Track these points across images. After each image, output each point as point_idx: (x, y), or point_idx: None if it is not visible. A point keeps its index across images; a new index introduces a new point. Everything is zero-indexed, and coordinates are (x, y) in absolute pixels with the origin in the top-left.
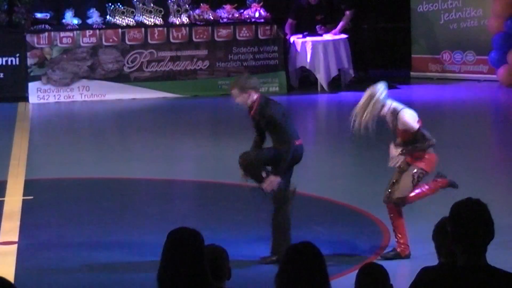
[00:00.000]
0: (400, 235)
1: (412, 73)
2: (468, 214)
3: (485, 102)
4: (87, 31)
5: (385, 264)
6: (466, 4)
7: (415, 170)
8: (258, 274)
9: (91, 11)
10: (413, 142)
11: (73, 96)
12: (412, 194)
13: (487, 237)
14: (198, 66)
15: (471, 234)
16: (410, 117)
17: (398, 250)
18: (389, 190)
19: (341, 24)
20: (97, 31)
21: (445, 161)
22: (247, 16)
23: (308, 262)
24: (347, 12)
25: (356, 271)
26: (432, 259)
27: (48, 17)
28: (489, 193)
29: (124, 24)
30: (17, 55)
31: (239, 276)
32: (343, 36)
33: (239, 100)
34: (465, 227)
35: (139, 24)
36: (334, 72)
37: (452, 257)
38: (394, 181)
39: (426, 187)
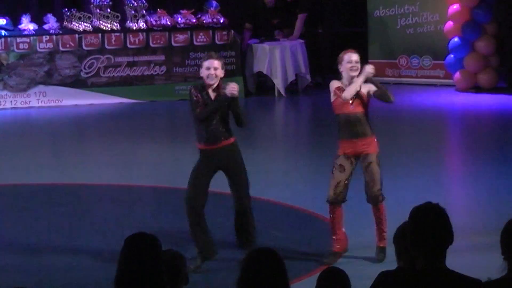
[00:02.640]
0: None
1: None
2: (427, 218)
3: (441, 106)
4: (44, 37)
5: (345, 268)
6: (423, 9)
7: (376, 156)
8: (217, 277)
9: (47, 16)
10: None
11: (30, 102)
12: None
13: (445, 241)
14: (155, 71)
15: (429, 238)
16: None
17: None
18: (380, 187)
19: (297, 28)
20: (54, 37)
21: (402, 165)
22: (204, 21)
23: (268, 267)
24: (301, 15)
25: (315, 276)
26: (394, 263)
27: (6, 22)
28: (446, 197)
29: (81, 29)
30: None
31: (197, 281)
32: (300, 40)
33: (218, 72)
34: (424, 231)
35: (96, 30)
36: (291, 77)
37: (411, 261)
38: (370, 179)
39: None
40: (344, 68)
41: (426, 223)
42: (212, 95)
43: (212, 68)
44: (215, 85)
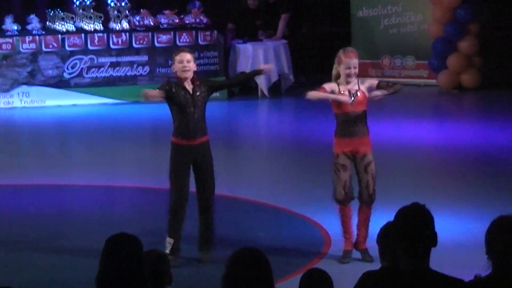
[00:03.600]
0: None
1: None
2: (411, 218)
3: (425, 106)
4: (27, 37)
5: (328, 269)
6: (406, 9)
7: (372, 157)
8: (202, 277)
9: (30, 17)
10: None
11: (13, 102)
12: None
13: (429, 242)
14: (138, 72)
15: (413, 239)
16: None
17: (361, 247)
18: (373, 190)
19: (280, 29)
20: (37, 37)
21: (387, 166)
22: (187, 22)
23: (253, 266)
24: (284, 16)
25: (298, 276)
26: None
27: None
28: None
29: (64, 30)
30: None
31: (181, 280)
32: (283, 41)
33: (191, 65)
34: (408, 231)
35: (79, 30)
36: (274, 77)
37: (395, 261)
38: (371, 178)
39: None
40: (342, 71)
41: (410, 223)
42: (189, 88)
43: (185, 61)
44: (189, 78)
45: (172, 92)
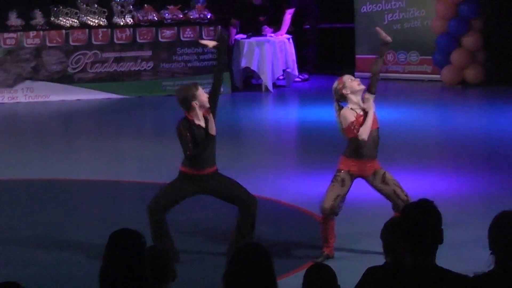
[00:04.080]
0: None
1: (356, 74)
2: (419, 214)
3: (429, 102)
4: (31, 32)
5: (331, 263)
6: (410, 4)
7: (383, 170)
8: (203, 273)
9: (34, 12)
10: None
11: (17, 97)
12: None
13: (436, 238)
14: (142, 67)
15: (420, 235)
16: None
17: None
18: (405, 195)
19: (284, 24)
20: (41, 32)
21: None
22: (191, 17)
23: (255, 262)
24: (288, 11)
25: (302, 271)
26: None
27: None
28: (433, 192)
29: (68, 25)
30: None
31: (184, 276)
32: (287, 36)
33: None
34: (415, 227)
35: (83, 25)
36: (278, 73)
37: (399, 257)
38: (396, 185)
39: None
40: (349, 88)
41: (417, 219)
42: (201, 122)
43: (205, 97)
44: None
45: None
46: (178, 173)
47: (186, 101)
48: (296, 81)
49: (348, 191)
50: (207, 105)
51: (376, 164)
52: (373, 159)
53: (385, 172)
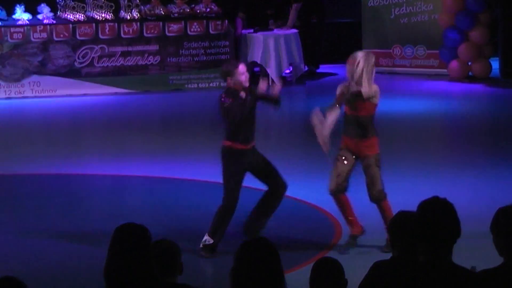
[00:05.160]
0: None
1: None
2: (436, 212)
3: (435, 96)
4: (38, 27)
5: (339, 258)
6: None
7: (375, 158)
8: (210, 268)
9: (41, 6)
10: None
11: (24, 91)
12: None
13: (454, 235)
14: (149, 61)
15: (438, 232)
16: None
17: None
18: (380, 188)
19: (291, 18)
20: (48, 27)
21: (399, 158)
22: (198, 11)
23: (262, 257)
24: (295, 5)
25: (309, 265)
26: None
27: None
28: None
29: (74, 19)
30: None
31: (191, 271)
32: (294, 30)
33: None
34: (434, 224)
35: (90, 20)
36: (285, 67)
37: (406, 251)
38: (370, 181)
39: None
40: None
41: (436, 216)
42: (244, 96)
43: (246, 73)
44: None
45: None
46: (222, 151)
47: (223, 76)
48: (303, 75)
49: (351, 168)
50: (245, 84)
51: (371, 146)
52: (365, 138)
53: (371, 164)
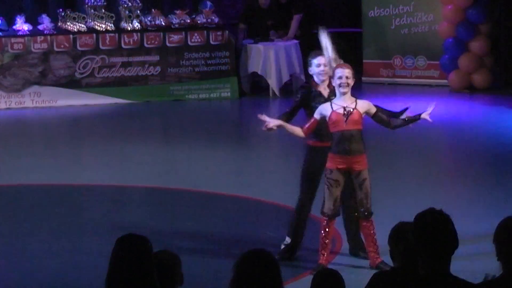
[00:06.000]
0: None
1: (363, 78)
2: (433, 224)
3: (436, 107)
4: (38, 37)
5: (339, 269)
6: (417, 9)
7: (367, 174)
8: (210, 279)
9: (42, 17)
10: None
11: (24, 102)
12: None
13: (451, 246)
14: (150, 71)
15: (435, 244)
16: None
17: (377, 262)
18: (368, 206)
19: (292, 28)
20: (48, 37)
21: (398, 169)
22: (198, 22)
23: (261, 268)
24: (296, 16)
25: (309, 276)
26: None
27: (0, 23)
28: (446, 202)
29: (75, 30)
30: None
31: (191, 280)
32: (294, 41)
33: (327, 70)
34: (430, 237)
35: (91, 30)
36: (285, 77)
37: (406, 263)
38: (364, 196)
39: None
40: (334, 83)
41: (431, 228)
42: (325, 93)
43: (322, 65)
44: (326, 82)
45: (310, 96)
46: (307, 149)
47: None
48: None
49: (343, 188)
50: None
51: (362, 162)
52: (359, 154)
53: (366, 178)
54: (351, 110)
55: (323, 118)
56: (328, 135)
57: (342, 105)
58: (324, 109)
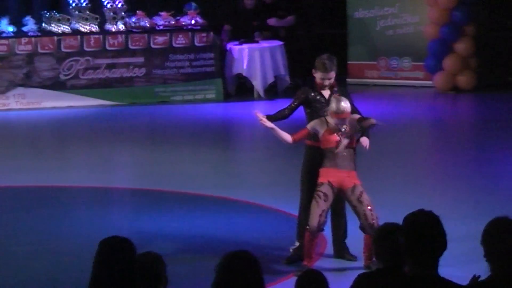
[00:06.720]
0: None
1: (348, 80)
2: (422, 226)
3: (421, 108)
4: (23, 39)
5: (324, 270)
6: (402, 10)
7: (362, 187)
8: (194, 281)
9: (26, 18)
10: None
11: (9, 104)
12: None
13: (439, 248)
14: (135, 73)
15: (424, 246)
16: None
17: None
18: (372, 222)
19: (282, 21)
20: (33, 39)
21: (384, 170)
22: (183, 23)
23: (243, 270)
24: (290, 17)
25: (293, 279)
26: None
27: None
28: (433, 203)
29: (60, 31)
30: None
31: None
32: (279, 42)
33: (331, 82)
34: (419, 239)
35: (75, 32)
36: (270, 79)
37: (392, 263)
38: (369, 206)
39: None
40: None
41: (420, 229)
42: (326, 94)
43: (327, 80)
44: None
45: (309, 97)
46: (305, 149)
47: None
48: (289, 87)
49: (331, 204)
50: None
51: (354, 178)
52: (350, 170)
53: (362, 191)
54: (344, 134)
55: (314, 132)
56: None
57: (339, 127)
58: (319, 125)
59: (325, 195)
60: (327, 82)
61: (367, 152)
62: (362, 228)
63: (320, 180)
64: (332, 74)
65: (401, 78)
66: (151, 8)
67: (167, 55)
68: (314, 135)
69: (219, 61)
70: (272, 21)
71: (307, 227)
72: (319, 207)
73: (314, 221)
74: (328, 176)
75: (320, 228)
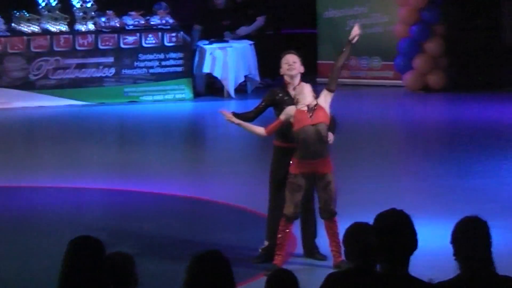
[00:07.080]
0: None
1: (318, 79)
2: (393, 224)
3: (391, 107)
4: None
5: (294, 269)
6: (372, 10)
7: (331, 177)
8: (164, 280)
9: None
10: None
11: None
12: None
13: (410, 247)
14: (104, 73)
15: (395, 245)
16: None
17: (338, 260)
18: (331, 207)
19: (250, 27)
20: (2, 39)
21: (355, 169)
22: (153, 23)
23: (213, 270)
24: (259, 18)
25: (263, 278)
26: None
27: None
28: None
29: (29, 31)
30: None
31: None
32: (249, 42)
33: (296, 66)
34: (390, 237)
35: (45, 32)
36: (240, 79)
37: (362, 263)
38: (329, 197)
39: None
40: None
41: (391, 229)
42: (293, 93)
43: (291, 61)
44: (295, 83)
45: (277, 98)
46: (273, 150)
47: None
48: (259, 87)
49: (304, 191)
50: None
51: (327, 165)
52: (323, 158)
53: (330, 181)
54: (314, 106)
55: (288, 119)
56: (290, 137)
57: (305, 103)
58: (289, 109)
59: (299, 186)
60: (287, 67)
61: (338, 152)
62: (320, 214)
63: (292, 171)
64: (292, 57)
65: (371, 77)
66: (121, 8)
67: (136, 55)
68: (287, 123)
69: (188, 61)
70: (242, 31)
71: (283, 215)
72: (294, 198)
73: (289, 209)
74: (302, 168)
75: (296, 216)
